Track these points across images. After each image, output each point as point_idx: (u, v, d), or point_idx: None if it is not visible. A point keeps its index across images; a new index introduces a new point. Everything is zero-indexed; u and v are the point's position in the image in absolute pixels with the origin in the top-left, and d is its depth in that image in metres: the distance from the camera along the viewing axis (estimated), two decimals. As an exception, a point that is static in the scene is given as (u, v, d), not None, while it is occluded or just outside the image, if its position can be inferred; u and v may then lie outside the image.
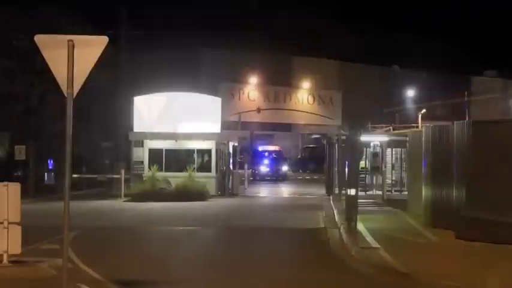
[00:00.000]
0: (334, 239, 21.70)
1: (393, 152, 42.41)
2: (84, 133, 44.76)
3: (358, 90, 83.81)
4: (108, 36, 11.71)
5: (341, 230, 22.60)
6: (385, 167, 40.31)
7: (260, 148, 65.18)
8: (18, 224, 15.58)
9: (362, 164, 42.85)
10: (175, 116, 41.39)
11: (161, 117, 41.43)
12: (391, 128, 56.34)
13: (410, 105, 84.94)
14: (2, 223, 15.43)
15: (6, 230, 15.42)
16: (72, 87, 11.34)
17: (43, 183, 43.53)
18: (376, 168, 41.11)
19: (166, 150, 41.49)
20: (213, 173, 41.47)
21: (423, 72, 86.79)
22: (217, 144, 41.81)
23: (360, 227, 22.44)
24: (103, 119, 51.32)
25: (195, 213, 31.51)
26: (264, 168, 61.04)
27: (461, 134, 20.22)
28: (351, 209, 22.44)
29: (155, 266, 17.07)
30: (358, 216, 22.25)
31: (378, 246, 18.86)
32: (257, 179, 59.08)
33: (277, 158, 62.48)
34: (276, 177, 59.60)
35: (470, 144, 19.83)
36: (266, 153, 62.98)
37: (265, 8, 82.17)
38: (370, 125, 59.76)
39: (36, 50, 11.73)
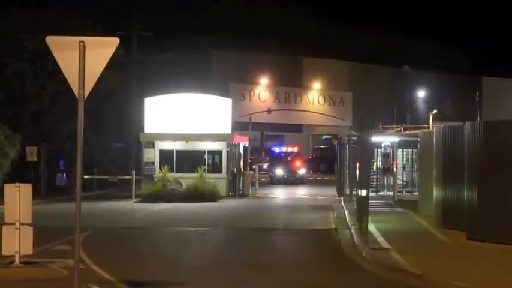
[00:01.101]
0: (345, 239, 21.67)
1: (404, 153, 42.32)
2: (95, 134, 44.88)
3: (368, 91, 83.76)
4: (118, 38, 11.72)
5: (352, 231, 22.57)
6: (396, 167, 40.23)
7: (277, 149, 61.77)
8: (29, 225, 15.62)
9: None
10: (186, 117, 41.44)
11: (172, 118, 41.48)
12: (402, 128, 56.22)
13: (421, 106, 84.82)
14: (13, 224, 15.48)
15: (18, 231, 15.47)
16: (84, 88, 11.37)
17: (54, 184, 43.62)
18: (387, 169, 41.01)
19: (177, 151, 41.54)
20: (224, 174, 41.48)
21: (434, 72, 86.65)
22: (227, 145, 41.83)
23: (371, 227, 22.40)
24: (114, 120, 51.42)
25: (206, 214, 31.53)
26: (280, 171, 56.71)
27: (473, 134, 20.16)
28: (362, 210, 22.42)
29: (166, 267, 17.09)
30: (369, 217, 22.22)
31: (389, 247, 18.83)
32: (273, 182, 55.73)
33: (295, 160, 58.66)
34: (292, 181, 55.31)
35: (482, 144, 19.77)
36: (283, 155, 59.60)
37: (276, 9, 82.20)
38: (381, 126, 59.68)
39: (47, 52, 11.76)
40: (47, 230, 21.40)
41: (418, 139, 31.83)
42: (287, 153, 60.50)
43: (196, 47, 72.82)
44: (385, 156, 41.17)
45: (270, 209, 34.36)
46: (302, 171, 58.07)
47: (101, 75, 11.64)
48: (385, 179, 42.56)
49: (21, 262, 15.57)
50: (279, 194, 44.91)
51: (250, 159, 50.45)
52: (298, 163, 58.42)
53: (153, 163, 41.11)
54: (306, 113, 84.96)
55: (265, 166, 59.14)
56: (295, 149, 63.13)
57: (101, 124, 47.80)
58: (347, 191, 38.28)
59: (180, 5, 76.79)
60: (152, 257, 18.70)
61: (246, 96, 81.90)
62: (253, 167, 49.12)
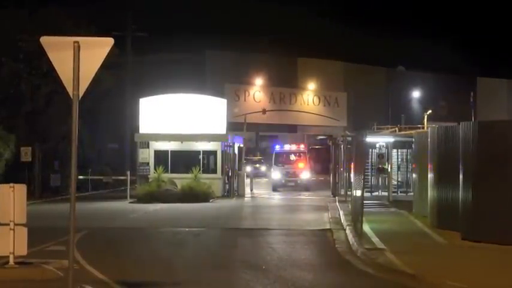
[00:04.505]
0: (340, 240, 21.68)
1: (399, 153, 42.38)
2: (90, 134, 44.88)
3: (363, 91, 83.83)
4: (113, 38, 11.73)
5: (347, 232, 22.59)
6: (391, 168, 40.29)
7: (278, 148, 51.74)
8: (24, 225, 15.60)
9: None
10: (181, 117, 41.45)
11: (167, 118, 41.49)
12: (396, 129, 56.27)
13: (416, 106, 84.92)
14: (8, 224, 15.46)
15: (12, 231, 15.44)
16: (78, 88, 11.36)
17: (49, 184, 43.62)
18: (382, 169, 41.06)
19: (171, 151, 41.55)
20: (219, 174, 41.48)
21: (429, 73, 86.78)
22: (222, 146, 41.84)
23: (366, 228, 22.42)
24: (109, 120, 51.44)
25: (201, 214, 31.52)
26: (278, 174, 48.54)
27: (468, 134, 20.19)
28: (357, 211, 22.43)
29: (160, 267, 17.09)
30: (364, 218, 22.24)
31: (384, 247, 18.85)
32: (274, 188, 47.96)
33: (300, 161, 49.32)
34: (293, 186, 47.93)
35: (477, 145, 19.80)
36: (285, 155, 50.14)
37: (270, 9, 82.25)
38: (375, 126, 59.70)
39: (42, 52, 11.76)
40: (42, 230, 21.37)
41: (413, 139, 31.86)
42: (289, 152, 50.63)
43: (191, 47, 72.83)
44: (380, 156, 41.23)
45: (264, 209, 34.36)
46: (306, 175, 48.70)
47: (96, 75, 11.65)
48: (380, 179, 42.60)
49: (15, 263, 15.54)
50: (274, 195, 44.86)
51: (245, 159, 50.32)
52: (301, 165, 49.20)
53: (148, 163, 41.13)
54: (300, 113, 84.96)
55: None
56: (302, 147, 52.43)
57: (95, 124, 47.83)
58: (342, 192, 38.32)
59: (175, 6, 76.76)
60: (147, 257, 18.69)
61: (241, 96, 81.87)
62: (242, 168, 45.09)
